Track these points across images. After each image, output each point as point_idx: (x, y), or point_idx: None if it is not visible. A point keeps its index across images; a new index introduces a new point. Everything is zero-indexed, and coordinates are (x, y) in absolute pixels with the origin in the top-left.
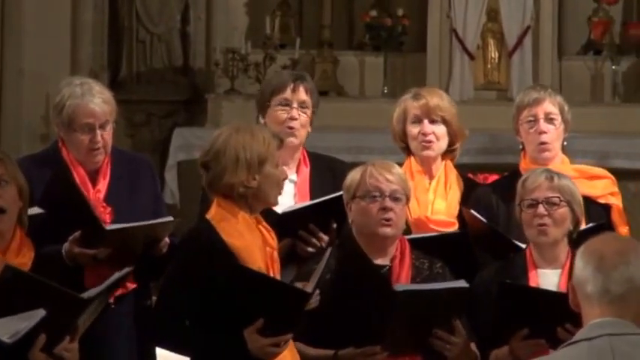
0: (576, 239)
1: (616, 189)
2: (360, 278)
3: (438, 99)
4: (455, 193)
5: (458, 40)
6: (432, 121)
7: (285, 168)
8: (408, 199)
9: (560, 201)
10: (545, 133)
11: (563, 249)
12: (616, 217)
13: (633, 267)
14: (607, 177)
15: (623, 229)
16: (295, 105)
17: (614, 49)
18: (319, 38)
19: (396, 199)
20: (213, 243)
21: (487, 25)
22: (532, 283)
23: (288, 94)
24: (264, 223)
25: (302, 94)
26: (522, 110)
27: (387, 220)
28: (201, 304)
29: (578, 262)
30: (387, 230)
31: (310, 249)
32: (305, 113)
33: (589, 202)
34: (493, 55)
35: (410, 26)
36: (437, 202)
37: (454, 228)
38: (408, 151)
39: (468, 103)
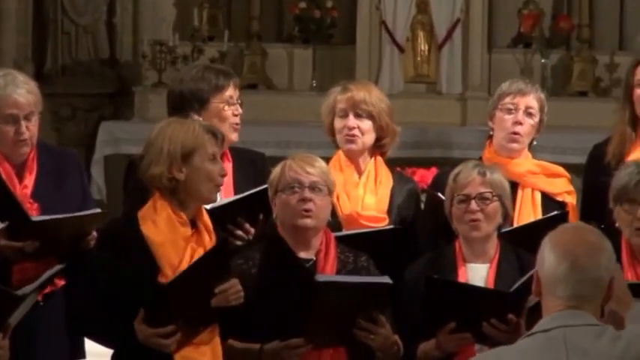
0: (530, 231)
1: (572, 188)
2: (282, 271)
3: (364, 93)
4: (385, 188)
5: (387, 32)
6: (357, 115)
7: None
8: (330, 192)
9: (493, 196)
10: (520, 124)
11: (493, 243)
12: (572, 216)
13: (603, 269)
14: (565, 175)
15: None
16: (236, 101)
17: (544, 42)
18: (248, 30)
19: (315, 191)
20: (130, 235)
21: (417, 17)
22: (461, 277)
23: (232, 91)
24: (207, 222)
25: (237, 91)
26: (504, 97)
27: (307, 210)
28: (113, 293)
29: (549, 256)
30: (307, 221)
31: (237, 242)
32: (241, 107)
33: (547, 198)
34: (423, 48)
35: (339, 18)
36: (367, 197)
37: (384, 223)
38: (337, 144)
39: (398, 96)
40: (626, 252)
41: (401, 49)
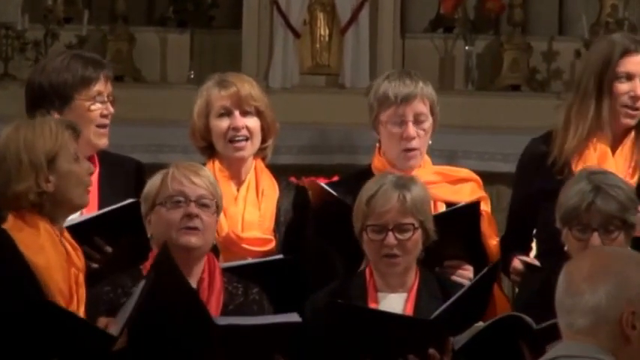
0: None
1: (483, 193)
2: (174, 306)
3: (249, 86)
4: (269, 201)
5: (280, 13)
6: (245, 113)
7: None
8: (218, 209)
9: (414, 228)
10: (413, 138)
11: (412, 272)
12: (485, 226)
13: (606, 298)
14: (472, 179)
15: (493, 242)
16: (105, 99)
17: (468, 26)
18: (112, 11)
19: (203, 206)
20: (7, 257)
21: None
22: None
23: (101, 85)
24: (69, 238)
25: (110, 86)
26: (386, 107)
27: (192, 228)
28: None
29: (559, 280)
30: (192, 240)
31: (94, 265)
32: (112, 106)
33: None
34: (322, 33)
35: None
36: (248, 213)
37: (271, 246)
38: (209, 151)
39: (292, 90)
40: None
41: (296, 34)
